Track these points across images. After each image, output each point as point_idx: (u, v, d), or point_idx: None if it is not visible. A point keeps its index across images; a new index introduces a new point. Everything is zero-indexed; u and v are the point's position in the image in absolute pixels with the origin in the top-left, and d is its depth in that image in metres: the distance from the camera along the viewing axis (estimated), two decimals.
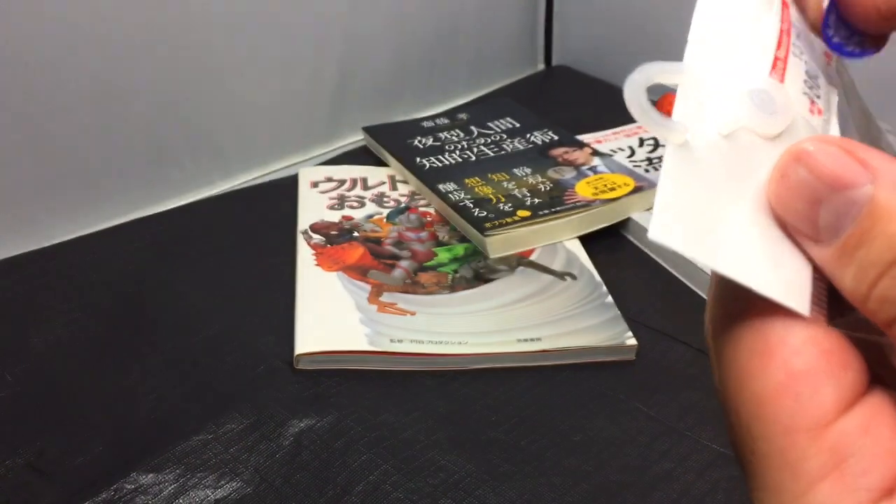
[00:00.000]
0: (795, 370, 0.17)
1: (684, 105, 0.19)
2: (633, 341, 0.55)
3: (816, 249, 0.18)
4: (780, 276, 0.18)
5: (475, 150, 0.75)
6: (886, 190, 0.17)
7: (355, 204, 0.69)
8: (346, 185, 0.71)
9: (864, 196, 0.17)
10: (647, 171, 0.72)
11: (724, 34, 0.20)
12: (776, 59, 0.20)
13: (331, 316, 0.55)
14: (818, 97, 0.21)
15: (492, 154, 0.74)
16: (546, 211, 0.64)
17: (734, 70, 0.20)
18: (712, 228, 0.17)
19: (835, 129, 0.21)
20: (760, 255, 0.18)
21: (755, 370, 0.17)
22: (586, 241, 0.65)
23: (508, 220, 0.63)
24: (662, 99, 0.67)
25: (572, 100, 0.91)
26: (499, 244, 0.62)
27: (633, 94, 0.18)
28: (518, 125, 0.80)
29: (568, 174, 0.70)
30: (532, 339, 0.54)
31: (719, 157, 0.18)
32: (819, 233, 0.18)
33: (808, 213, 0.18)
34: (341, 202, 0.69)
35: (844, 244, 0.17)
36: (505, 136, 0.77)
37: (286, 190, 0.71)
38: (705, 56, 0.19)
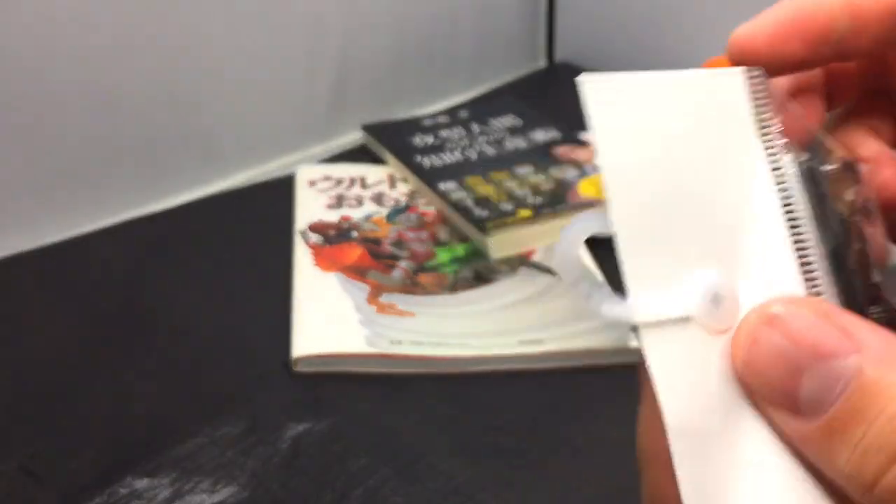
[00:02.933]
0: None
1: (636, 282, 0.18)
2: (637, 343, 0.54)
3: (794, 423, 0.17)
4: None
5: (476, 148, 0.74)
6: (875, 364, 0.15)
7: (354, 203, 0.68)
8: (345, 184, 0.71)
9: (849, 369, 0.16)
10: None
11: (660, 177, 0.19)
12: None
13: (329, 317, 0.55)
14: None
15: (493, 152, 0.74)
16: (548, 210, 0.63)
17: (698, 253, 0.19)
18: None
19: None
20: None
21: None
22: (589, 241, 0.64)
23: (510, 219, 0.62)
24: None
25: (575, 97, 0.89)
26: (500, 244, 0.61)
27: (566, 254, 0.17)
28: (520, 123, 0.79)
29: (570, 173, 0.69)
30: (534, 341, 0.53)
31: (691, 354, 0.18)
32: (798, 406, 0.16)
33: (785, 384, 0.16)
34: (340, 201, 0.68)
35: (831, 422, 0.16)
36: (506, 134, 0.77)
37: (283, 189, 0.70)
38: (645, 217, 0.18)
